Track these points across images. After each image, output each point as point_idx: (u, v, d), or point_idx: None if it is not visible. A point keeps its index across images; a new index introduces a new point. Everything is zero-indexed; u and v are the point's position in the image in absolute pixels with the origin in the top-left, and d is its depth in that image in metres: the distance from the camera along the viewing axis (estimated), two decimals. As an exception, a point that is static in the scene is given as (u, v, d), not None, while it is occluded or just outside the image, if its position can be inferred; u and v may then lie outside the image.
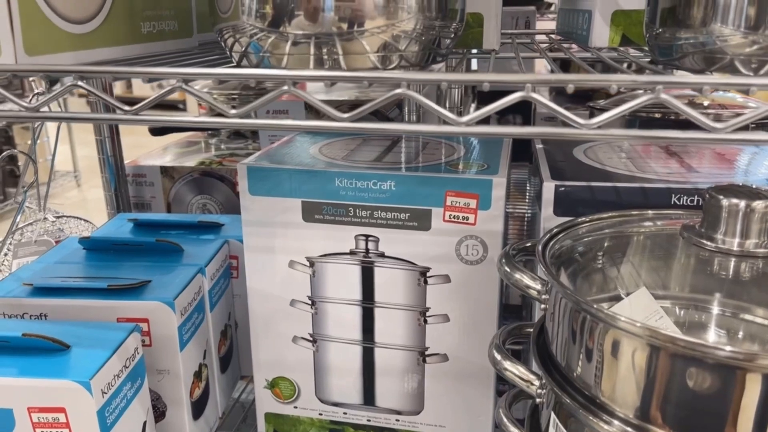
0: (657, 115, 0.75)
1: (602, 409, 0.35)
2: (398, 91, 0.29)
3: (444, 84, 0.28)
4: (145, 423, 0.50)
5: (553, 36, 0.64)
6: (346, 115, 0.30)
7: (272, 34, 0.34)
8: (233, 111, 0.31)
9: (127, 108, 0.32)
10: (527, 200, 0.79)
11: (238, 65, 0.37)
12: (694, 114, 0.27)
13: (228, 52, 0.37)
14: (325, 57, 0.34)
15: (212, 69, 0.31)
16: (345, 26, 0.34)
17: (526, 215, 0.76)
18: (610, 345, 0.34)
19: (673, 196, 0.47)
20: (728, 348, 0.31)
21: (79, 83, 0.32)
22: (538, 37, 0.67)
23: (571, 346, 0.37)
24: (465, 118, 0.28)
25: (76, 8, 0.38)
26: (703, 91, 0.27)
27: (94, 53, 0.39)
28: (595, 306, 0.34)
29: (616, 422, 0.35)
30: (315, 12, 0.33)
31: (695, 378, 0.32)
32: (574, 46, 0.58)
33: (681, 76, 0.28)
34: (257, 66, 0.36)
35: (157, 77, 0.32)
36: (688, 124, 0.67)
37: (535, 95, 0.28)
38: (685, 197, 0.47)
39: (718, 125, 0.27)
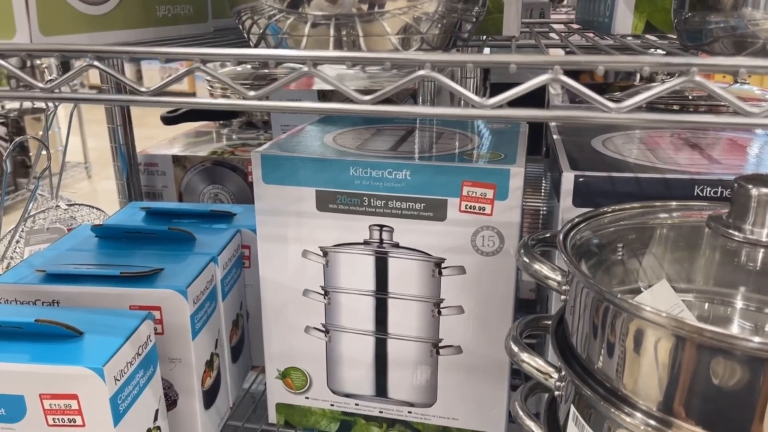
0: (675, 107, 0.74)
1: (624, 401, 0.35)
2: (422, 72, 0.28)
3: (468, 67, 0.27)
4: (157, 411, 0.50)
5: (571, 25, 0.63)
6: (367, 98, 0.29)
7: (291, 15, 0.33)
8: (252, 93, 0.30)
9: (144, 89, 0.31)
10: (542, 194, 0.78)
11: (256, 48, 0.37)
12: (729, 98, 0.26)
13: (246, 35, 0.37)
14: (345, 39, 0.34)
15: (230, 50, 0.30)
16: (365, 7, 0.33)
17: (542, 211, 0.75)
18: (633, 336, 0.33)
19: (697, 187, 0.46)
20: (756, 339, 0.30)
21: (96, 63, 0.31)
22: (556, 27, 0.66)
23: (593, 337, 0.36)
24: (491, 101, 0.28)
25: (92, -11, 0.37)
26: (739, 74, 0.26)
27: (109, 35, 0.39)
28: (619, 295, 0.33)
29: (638, 415, 0.34)
30: (335, -7, 0.33)
31: (721, 370, 0.31)
32: (590, 35, 0.57)
33: (717, 57, 0.27)
34: (276, 47, 0.35)
35: (175, 58, 0.31)
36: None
37: (563, 78, 0.27)
38: (708, 188, 0.46)
39: (754, 110, 0.26)
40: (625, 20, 0.45)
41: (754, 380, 0.30)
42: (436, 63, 0.28)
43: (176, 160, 0.82)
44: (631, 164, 0.50)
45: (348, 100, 0.31)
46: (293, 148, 0.56)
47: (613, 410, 0.35)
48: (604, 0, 0.49)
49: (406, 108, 0.30)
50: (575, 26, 0.63)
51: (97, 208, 0.77)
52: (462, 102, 0.84)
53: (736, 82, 0.81)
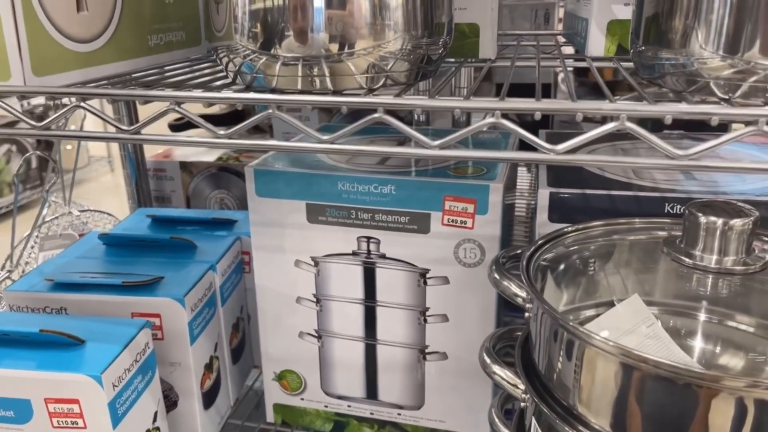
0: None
1: (578, 420, 0.37)
2: (376, 115, 0.30)
3: (417, 111, 0.29)
4: (156, 413, 0.53)
5: (559, 38, 0.64)
6: (326, 137, 0.32)
7: (263, 55, 0.35)
8: (222, 132, 0.33)
9: (124, 127, 0.34)
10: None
11: (233, 82, 0.39)
12: (656, 141, 0.27)
13: (224, 69, 0.39)
14: (315, 78, 0.36)
15: (202, 93, 0.32)
16: (333, 49, 0.35)
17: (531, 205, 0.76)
18: (585, 361, 0.35)
19: (667, 204, 0.48)
20: (696, 369, 0.32)
21: (81, 104, 0.34)
22: (544, 41, 0.67)
23: (551, 357, 0.38)
24: (437, 142, 0.30)
25: (83, 28, 0.40)
26: (665, 120, 0.27)
27: (101, 69, 0.41)
28: (570, 323, 0.35)
29: (591, 433, 0.36)
30: (303, 34, 0.35)
31: (665, 395, 0.33)
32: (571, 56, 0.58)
33: (644, 104, 0.29)
34: (250, 84, 0.38)
35: (152, 99, 0.34)
36: (701, 125, 0.67)
37: (503, 121, 0.29)
38: (678, 206, 0.47)
39: (679, 152, 0.27)
40: (597, 42, 0.47)
41: (695, 404, 0.32)
42: (388, 106, 0.30)
43: (183, 166, 0.85)
44: (608, 180, 0.52)
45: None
46: (286, 160, 0.59)
47: (567, 428, 0.37)
48: (580, 21, 0.50)
49: (361, 147, 0.32)
50: (562, 40, 0.64)
51: (108, 214, 0.80)
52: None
53: None
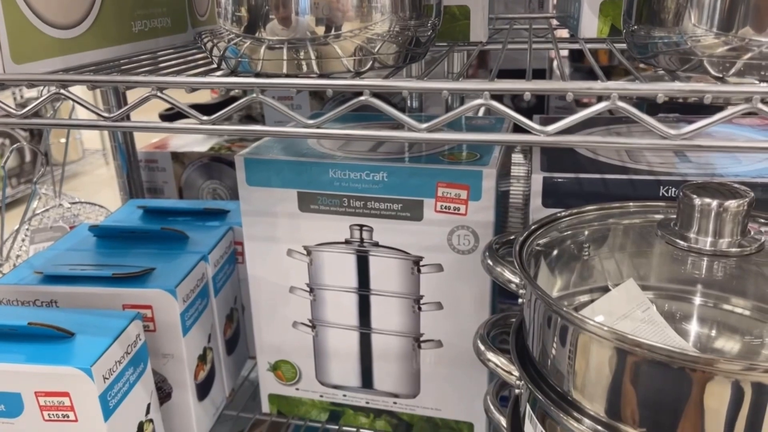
0: (665, 98, 0.74)
1: (573, 406, 0.36)
2: (362, 98, 0.30)
3: (404, 93, 0.28)
4: (148, 405, 0.53)
5: (553, 21, 0.63)
6: (311, 122, 0.31)
7: (247, 39, 0.35)
8: (205, 118, 0.32)
9: (106, 115, 0.33)
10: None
11: (218, 67, 0.38)
12: (649, 120, 0.27)
13: (208, 54, 0.38)
14: (301, 62, 0.35)
15: (183, 78, 0.32)
16: (318, 32, 0.34)
17: (525, 192, 0.75)
18: (579, 346, 0.35)
19: (662, 188, 0.47)
20: (691, 352, 0.31)
21: (62, 91, 0.33)
22: (536, 24, 0.66)
23: (544, 343, 0.38)
24: (425, 125, 0.29)
25: (64, 14, 0.39)
26: (658, 99, 0.27)
27: (84, 56, 0.40)
28: (564, 308, 0.34)
29: (587, 420, 0.35)
30: (288, 17, 0.34)
31: (660, 380, 0.32)
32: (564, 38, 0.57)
33: (636, 83, 0.28)
34: (235, 69, 0.37)
35: (133, 85, 0.33)
36: (697, 109, 0.66)
37: (492, 102, 0.28)
38: (673, 189, 0.47)
39: (672, 131, 0.27)
40: (590, 24, 0.46)
41: (690, 388, 0.32)
42: (374, 89, 0.29)
43: (175, 156, 0.84)
44: (602, 164, 0.51)
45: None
46: (277, 149, 0.58)
47: (562, 415, 0.36)
48: (573, 2, 0.49)
49: (349, 131, 0.32)
50: (556, 23, 0.63)
51: (99, 206, 0.80)
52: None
53: None
